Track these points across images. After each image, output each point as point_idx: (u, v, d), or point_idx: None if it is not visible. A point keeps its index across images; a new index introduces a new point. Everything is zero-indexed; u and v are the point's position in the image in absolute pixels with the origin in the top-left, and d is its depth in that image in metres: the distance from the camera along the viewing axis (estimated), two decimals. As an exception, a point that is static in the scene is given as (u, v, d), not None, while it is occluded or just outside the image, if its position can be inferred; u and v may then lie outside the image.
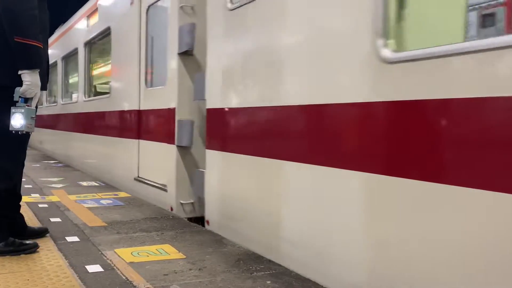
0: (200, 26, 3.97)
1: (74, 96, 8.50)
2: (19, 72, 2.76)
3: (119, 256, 2.90)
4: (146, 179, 4.96)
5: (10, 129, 2.71)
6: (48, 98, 10.39)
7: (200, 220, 4.10)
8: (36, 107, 2.93)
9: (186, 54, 4.18)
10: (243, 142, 3.27)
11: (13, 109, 2.73)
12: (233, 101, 3.40)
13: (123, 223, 3.81)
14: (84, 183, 6.01)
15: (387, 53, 2.02)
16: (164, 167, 4.48)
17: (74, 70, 8.48)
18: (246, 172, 3.23)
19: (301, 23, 2.62)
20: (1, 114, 2.79)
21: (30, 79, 2.76)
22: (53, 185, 5.78)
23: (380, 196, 2.10)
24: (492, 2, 3.00)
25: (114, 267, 2.69)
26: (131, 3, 5.32)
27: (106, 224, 3.75)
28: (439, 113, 1.82)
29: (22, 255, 2.83)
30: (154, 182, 4.76)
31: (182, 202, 4.23)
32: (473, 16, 2.98)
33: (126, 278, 2.51)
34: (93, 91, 7.71)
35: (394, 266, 2.04)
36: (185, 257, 2.91)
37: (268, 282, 2.49)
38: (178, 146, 4.24)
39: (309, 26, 2.57)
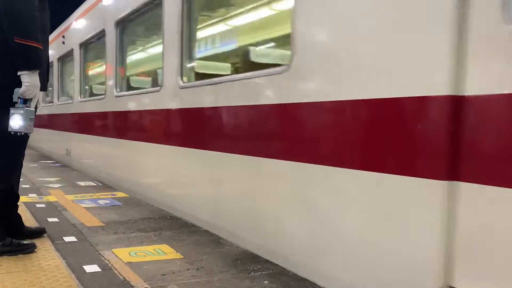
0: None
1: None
2: (19, 73, 2.75)
3: (116, 256, 2.90)
4: None
5: (9, 130, 2.71)
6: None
7: None
8: (36, 108, 2.92)
9: None
10: None
11: (12, 110, 2.73)
12: None
13: (121, 223, 3.81)
14: (82, 183, 6.00)
15: None
16: None
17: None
18: None
19: None
20: (1, 114, 2.79)
21: (29, 80, 2.76)
22: (50, 185, 5.77)
23: None
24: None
25: (112, 267, 2.69)
26: None
27: (103, 224, 3.74)
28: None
29: (20, 255, 2.83)
30: None
31: None
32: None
33: (124, 278, 2.52)
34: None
35: None
36: (182, 257, 2.92)
37: (266, 282, 2.50)
38: None
39: None
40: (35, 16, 2.77)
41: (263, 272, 2.65)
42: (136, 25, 5.71)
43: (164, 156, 4.46)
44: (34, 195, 5.01)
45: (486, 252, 1.76)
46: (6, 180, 2.93)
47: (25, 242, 2.94)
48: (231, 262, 2.83)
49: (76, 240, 3.26)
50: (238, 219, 3.24)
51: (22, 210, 3.61)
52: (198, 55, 4.39)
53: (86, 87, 7.74)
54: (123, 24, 5.71)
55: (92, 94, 7.46)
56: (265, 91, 2.98)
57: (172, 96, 4.23)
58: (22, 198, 3.93)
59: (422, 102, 1.96)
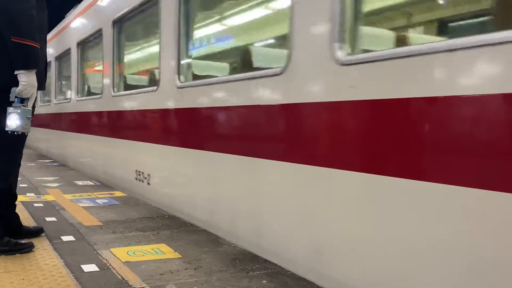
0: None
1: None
2: (16, 72, 2.75)
3: (114, 255, 2.90)
4: None
5: (6, 129, 2.70)
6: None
7: None
8: (33, 107, 2.92)
9: None
10: None
11: (9, 110, 2.72)
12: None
13: (119, 222, 3.81)
14: (80, 182, 5.99)
15: None
16: None
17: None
18: None
19: None
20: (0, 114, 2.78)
21: (26, 79, 2.76)
22: (48, 184, 5.76)
23: None
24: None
25: (110, 267, 2.69)
26: None
27: (101, 224, 3.74)
28: None
29: (18, 255, 2.82)
30: None
31: None
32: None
33: (122, 277, 2.51)
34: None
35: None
36: (181, 256, 2.92)
37: (264, 281, 2.50)
38: None
39: None
40: (33, 15, 2.76)
41: (262, 272, 2.65)
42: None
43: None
44: (32, 194, 5.00)
45: None
46: (4, 179, 2.93)
47: (23, 241, 2.93)
48: (230, 261, 2.83)
49: (74, 239, 3.25)
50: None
51: (20, 210, 3.60)
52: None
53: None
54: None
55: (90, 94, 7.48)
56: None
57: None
58: (20, 198, 3.93)
59: None
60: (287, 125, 2.78)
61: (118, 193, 5.19)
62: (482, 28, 2.49)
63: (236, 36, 4.39)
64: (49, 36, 9.55)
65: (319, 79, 2.50)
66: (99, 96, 6.28)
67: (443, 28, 2.98)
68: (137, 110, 5.06)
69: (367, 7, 2.56)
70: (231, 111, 3.36)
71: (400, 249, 2.06)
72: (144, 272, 2.61)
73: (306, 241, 2.61)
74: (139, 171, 4.93)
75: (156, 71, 4.61)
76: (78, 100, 7.43)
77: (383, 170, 2.11)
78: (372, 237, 2.18)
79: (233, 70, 4.34)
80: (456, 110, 1.82)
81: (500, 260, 1.68)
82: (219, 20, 4.39)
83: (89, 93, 7.38)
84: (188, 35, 4.16)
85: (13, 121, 2.71)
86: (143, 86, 5.19)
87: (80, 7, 7.62)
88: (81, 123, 7.31)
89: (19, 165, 3.16)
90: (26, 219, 3.71)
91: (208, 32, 4.45)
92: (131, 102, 5.26)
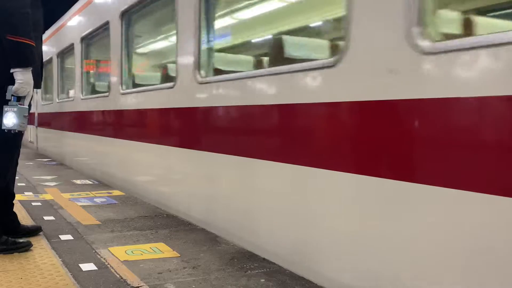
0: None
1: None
2: (12, 71, 2.74)
3: (113, 254, 2.89)
4: None
5: (3, 127, 2.70)
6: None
7: None
8: (30, 105, 2.91)
9: None
10: None
11: (5, 108, 2.72)
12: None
13: (117, 221, 3.81)
14: (78, 181, 5.99)
15: None
16: None
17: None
18: None
19: None
20: None
21: (22, 77, 2.75)
22: (46, 183, 5.75)
23: None
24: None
25: (108, 266, 2.68)
26: None
27: (100, 223, 3.74)
28: None
29: (15, 254, 2.82)
30: None
31: None
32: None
33: (120, 276, 2.51)
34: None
35: None
36: (179, 255, 2.92)
37: (262, 280, 2.50)
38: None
39: None
40: (28, 13, 2.75)
41: (260, 271, 2.65)
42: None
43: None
44: (30, 193, 4.99)
45: None
46: (1, 178, 2.92)
47: (21, 240, 2.93)
48: (228, 260, 2.83)
49: (72, 238, 3.25)
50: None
51: (18, 209, 3.59)
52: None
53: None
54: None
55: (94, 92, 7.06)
56: None
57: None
58: (18, 197, 3.92)
59: None
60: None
61: (116, 192, 5.18)
62: None
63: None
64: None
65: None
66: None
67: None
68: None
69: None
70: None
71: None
72: (143, 271, 2.61)
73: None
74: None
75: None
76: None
77: None
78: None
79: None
80: None
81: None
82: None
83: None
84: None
85: (9, 120, 2.71)
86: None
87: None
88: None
89: (17, 163, 3.15)
90: (24, 218, 3.71)
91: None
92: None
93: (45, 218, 3.82)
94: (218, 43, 3.97)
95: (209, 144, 3.52)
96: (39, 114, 10.61)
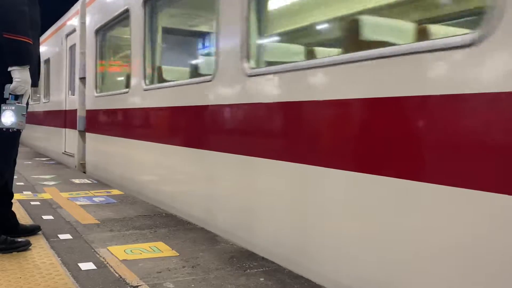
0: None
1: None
2: (9, 69, 2.73)
3: (112, 253, 2.89)
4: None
5: (1, 126, 2.69)
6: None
7: None
8: (27, 104, 2.91)
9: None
10: None
11: (3, 107, 2.71)
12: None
13: (116, 220, 3.80)
14: (77, 181, 5.98)
15: None
16: None
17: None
18: None
19: None
20: None
21: (19, 75, 2.74)
22: (45, 183, 5.75)
23: None
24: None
25: (107, 265, 2.68)
26: None
27: (98, 222, 3.73)
28: None
29: (14, 253, 2.81)
30: None
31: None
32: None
33: (119, 275, 2.51)
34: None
35: None
36: (178, 254, 2.91)
37: (262, 279, 2.50)
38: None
39: None
40: (24, 11, 2.74)
41: (259, 270, 2.65)
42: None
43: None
44: (29, 192, 4.99)
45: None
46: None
47: (19, 239, 2.92)
48: (227, 259, 2.83)
49: (71, 237, 3.24)
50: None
51: (16, 208, 3.59)
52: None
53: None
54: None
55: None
56: None
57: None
58: (17, 196, 3.91)
59: None
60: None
61: (115, 191, 5.18)
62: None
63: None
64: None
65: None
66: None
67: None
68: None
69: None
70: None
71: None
72: (142, 270, 2.61)
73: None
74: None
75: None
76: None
77: None
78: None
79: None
80: None
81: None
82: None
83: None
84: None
85: (7, 118, 2.70)
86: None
87: None
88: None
89: (15, 163, 3.14)
90: (23, 218, 3.70)
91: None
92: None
93: (44, 217, 3.81)
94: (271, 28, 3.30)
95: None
96: (88, 111, 6.96)
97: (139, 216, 3.99)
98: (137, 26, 4.86)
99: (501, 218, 1.67)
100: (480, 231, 1.73)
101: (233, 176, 3.28)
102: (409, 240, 1.99)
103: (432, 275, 1.89)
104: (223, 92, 3.36)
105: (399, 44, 2.12)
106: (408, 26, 2.57)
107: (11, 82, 2.74)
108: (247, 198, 3.13)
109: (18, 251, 2.84)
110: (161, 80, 4.70)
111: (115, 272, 2.56)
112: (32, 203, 4.40)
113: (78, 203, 4.50)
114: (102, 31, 6.34)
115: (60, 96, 8.61)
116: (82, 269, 2.60)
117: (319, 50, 3.35)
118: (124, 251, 2.95)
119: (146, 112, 4.82)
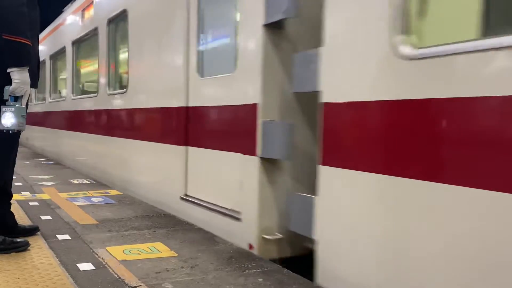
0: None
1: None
2: (8, 70, 2.73)
3: (110, 254, 2.89)
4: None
5: (1, 128, 2.69)
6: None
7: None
8: (27, 105, 2.91)
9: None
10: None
11: (3, 108, 2.71)
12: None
13: (115, 221, 3.80)
14: (75, 181, 5.98)
15: None
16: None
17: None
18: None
19: None
20: None
21: (19, 77, 2.73)
22: (43, 183, 5.74)
23: None
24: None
25: (106, 265, 2.68)
26: None
27: (97, 222, 3.73)
28: None
29: (13, 254, 2.81)
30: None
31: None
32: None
33: (118, 276, 2.51)
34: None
35: None
36: (177, 255, 2.92)
37: (260, 279, 2.51)
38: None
39: None
40: (24, 12, 2.73)
41: (258, 270, 2.66)
42: None
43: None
44: (27, 193, 4.98)
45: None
46: (-1, 178, 2.92)
47: (18, 240, 2.92)
48: (226, 259, 2.83)
49: (69, 238, 3.24)
50: None
51: (15, 208, 3.58)
52: None
53: None
54: None
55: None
56: None
57: None
58: (15, 196, 3.91)
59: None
60: None
61: (113, 192, 5.18)
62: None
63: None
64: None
65: None
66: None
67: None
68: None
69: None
70: None
71: None
72: (140, 270, 2.61)
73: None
74: None
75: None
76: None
77: None
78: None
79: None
80: None
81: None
82: None
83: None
84: None
85: (7, 120, 2.69)
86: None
87: None
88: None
89: (14, 163, 3.14)
90: (22, 218, 3.70)
91: None
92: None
93: (43, 217, 3.81)
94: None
95: None
96: None
97: (138, 216, 3.99)
98: None
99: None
100: None
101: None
102: None
103: None
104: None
105: None
106: None
107: (10, 83, 2.74)
108: None
109: (16, 252, 2.84)
110: None
111: (114, 272, 2.57)
112: (30, 203, 4.40)
113: (77, 203, 4.50)
114: None
115: (168, 76, 4.40)
116: (81, 269, 2.60)
117: None
118: (123, 251, 2.96)
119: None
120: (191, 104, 3.93)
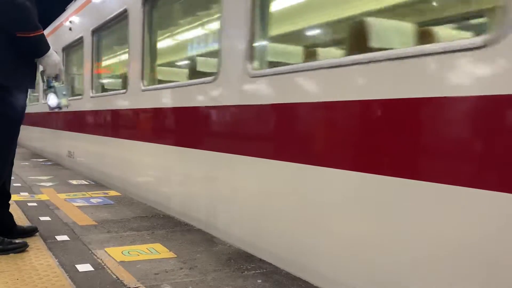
0: None
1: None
2: (36, 61, 2.93)
3: (109, 255, 2.89)
4: None
5: (50, 108, 3.04)
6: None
7: None
8: (62, 82, 3.13)
9: None
10: None
11: (47, 91, 3.03)
12: None
13: (114, 222, 3.80)
14: (74, 182, 5.97)
15: None
16: None
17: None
18: None
19: None
20: None
21: (46, 62, 2.92)
22: (42, 184, 5.73)
23: None
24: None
25: (105, 266, 2.68)
26: None
27: (96, 223, 3.73)
28: None
29: (11, 254, 2.81)
30: None
31: None
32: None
33: (117, 277, 2.51)
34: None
35: None
36: (176, 256, 2.91)
37: (259, 281, 2.50)
38: None
39: None
40: (26, 5, 2.76)
41: (257, 271, 2.66)
42: None
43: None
44: (26, 193, 4.98)
45: None
46: (-3, 178, 2.92)
47: (16, 241, 2.92)
48: (225, 261, 2.83)
49: (68, 239, 3.24)
50: None
51: (13, 209, 3.58)
52: None
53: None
54: None
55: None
56: None
57: None
58: (14, 197, 3.91)
59: None
60: None
61: (112, 193, 5.17)
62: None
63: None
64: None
65: None
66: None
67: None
68: None
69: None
70: None
71: None
72: (139, 271, 2.61)
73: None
74: None
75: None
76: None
77: None
78: None
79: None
80: None
81: None
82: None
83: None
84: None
85: (52, 100, 3.01)
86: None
87: None
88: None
89: (12, 163, 3.14)
90: (20, 219, 3.69)
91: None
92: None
93: (41, 218, 3.81)
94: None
95: None
96: None
97: (137, 217, 3.99)
98: None
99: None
100: None
101: None
102: None
103: None
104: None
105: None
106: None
107: (17, 84, 2.87)
108: None
109: (15, 253, 2.83)
110: None
111: (113, 273, 2.56)
112: (29, 204, 4.39)
113: (75, 204, 4.49)
114: None
115: None
116: (80, 270, 2.60)
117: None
118: (122, 252, 2.95)
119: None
120: None
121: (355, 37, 2.75)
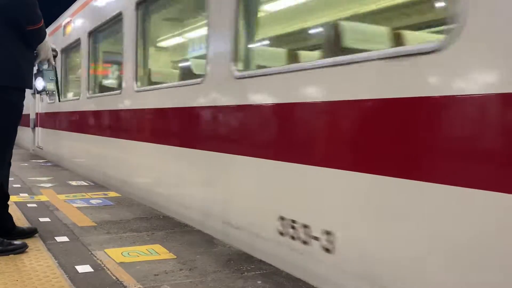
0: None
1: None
2: (36, 48, 3.07)
3: (109, 256, 2.89)
4: None
5: (36, 93, 3.25)
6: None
7: None
8: (55, 69, 3.28)
9: None
10: None
11: (36, 74, 3.20)
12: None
13: (113, 223, 3.80)
14: (73, 183, 5.97)
15: None
16: None
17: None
18: None
19: None
20: None
21: (41, 47, 3.08)
22: (42, 185, 5.73)
23: None
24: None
25: (104, 267, 2.68)
26: None
27: (95, 224, 3.73)
28: None
29: (11, 255, 2.80)
30: None
31: None
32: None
33: (116, 278, 2.51)
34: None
35: None
36: (175, 257, 2.91)
37: (259, 282, 2.50)
38: None
39: None
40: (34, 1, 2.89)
41: (256, 272, 2.66)
42: None
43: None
44: (25, 194, 4.97)
45: None
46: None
47: (16, 242, 2.91)
48: (224, 262, 2.83)
49: (68, 240, 3.24)
50: None
51: (13, 210, 3.58)
52: None
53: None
54: None
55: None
56: None
57: None
58: (13, 198, 3.91)
59: None
60: None
61: (112, 194, 5.17)
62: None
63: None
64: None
65: None
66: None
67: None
68: None
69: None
70: None
71: None
72: (139, 272, 2.60)
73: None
74: None
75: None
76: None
77: None
78: None
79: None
80: None
81: None
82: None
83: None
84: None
85: (39, 84, 3.29)
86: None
87: None
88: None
89: (9, 164, 3.14)
90: (20, 220, 3.69)
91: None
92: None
93: (41, 219, 3.80)
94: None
95: None
96: None
97: (136, 218, 3.98)
98: None
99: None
100: None
101: None
102: None
103: None
104: None
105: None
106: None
107: (18, 85, 2.91)
108: None
109: (14, 254, 2.83)
110: None
111: (112, 274, 2.56)
112: (28, 205, 4.39)
113: (75, 205, 4.49)
114: None
115: None
116: (79, 271, 2.59)
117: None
118: (121, 253, 2.95)
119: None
120: None
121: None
